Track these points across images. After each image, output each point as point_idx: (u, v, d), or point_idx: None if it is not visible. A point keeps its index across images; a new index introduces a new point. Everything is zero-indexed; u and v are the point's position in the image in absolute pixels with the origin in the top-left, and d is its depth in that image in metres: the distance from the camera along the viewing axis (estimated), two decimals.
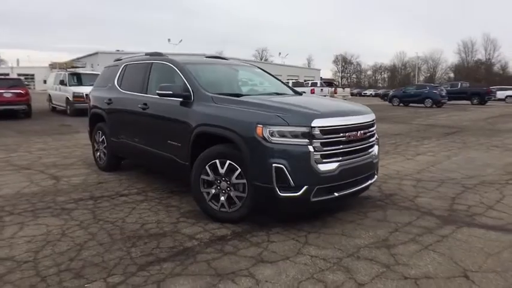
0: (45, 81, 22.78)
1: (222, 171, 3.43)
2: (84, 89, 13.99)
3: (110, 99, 5.22)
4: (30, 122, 12.44)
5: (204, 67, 4.52)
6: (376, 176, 3.96)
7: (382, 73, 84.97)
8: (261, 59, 74.59)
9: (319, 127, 3.19)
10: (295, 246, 3.02)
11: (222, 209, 3.48)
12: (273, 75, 5.17)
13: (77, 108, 13.71)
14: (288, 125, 3.15)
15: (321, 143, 3.21)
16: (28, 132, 9.93)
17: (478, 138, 9.30)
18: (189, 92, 3.90)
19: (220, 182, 3.47)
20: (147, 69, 4.72)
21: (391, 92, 28.03)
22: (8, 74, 13.27)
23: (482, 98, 25.48)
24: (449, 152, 7.27)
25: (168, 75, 4.39)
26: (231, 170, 3.40)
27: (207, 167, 3.51)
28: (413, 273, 2.61)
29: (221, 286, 2.42)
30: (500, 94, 29.66)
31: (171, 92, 3.91)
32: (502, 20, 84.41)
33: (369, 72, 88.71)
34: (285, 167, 3.09)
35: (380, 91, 44.90)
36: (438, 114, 17.65)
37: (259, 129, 3.16)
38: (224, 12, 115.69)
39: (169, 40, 44.17)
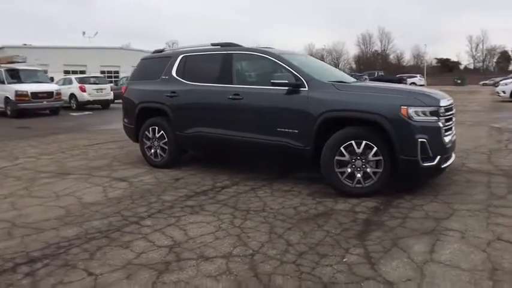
0: None
1: (358, 150, 3.78)
2: (28, 87, 12.35)
3: (173, 92, 5.01)
4: None
5: (294, 57, 4.69)
6: None
7: None
8: None
9: (443, 106, 3.78)
10: (442, 206, 3.55)
11: (357, 185, 3.83)
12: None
13: (20, 109, 12.00)
14: (425, 106, 3.66)
15: (444, 120, 3.80)
16: None
17: None
18: (301, 80, 4.11)
19: (355, 160, 3.82)
20: (227, 60, 4.70)
21: None
22: None
23: None
24: None
25: (261, 65, 4.51)
26: (366, 149, 3.77)
27: (341, 148, 3.82)
28: None
29: (442, 238, 2.84)
30: (408, 81, 34.42)
31: (287, 82, 4.07)
32: (393, 14, 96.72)
33: None
34: (426, 140, 3.60)
35: None
36: None
37: (403, 110, 3.60)
38: (129, 3, 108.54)
39: (84, 33, 40.54)
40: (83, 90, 16.06)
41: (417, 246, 2.74)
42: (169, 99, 5.05)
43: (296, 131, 4.11)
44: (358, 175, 3.82)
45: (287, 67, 4.25)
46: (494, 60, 74.00)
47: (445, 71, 70.22)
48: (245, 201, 3.84)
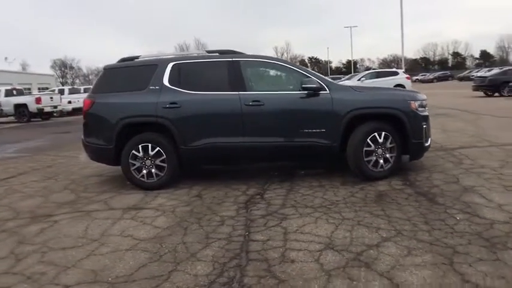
0: None
1: (380, 140, 4.52)
2: None
3: (173, 103, 4.54)
4: None
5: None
6: None
7: None
8: None
9: (425, 100, 4.94)
10: (443, 175, 4.58)
11: (380, 169, 4.58)
12: None
13: None
14: (421, 100, 4.72)
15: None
16: None
17: None
18: (321, 84, 4.55)
19: (378, 149, 4.55)
20: (235, 68, 4.64)
21: None
22: None
23: None
24: None
25: (276, 72, 4.67)
26: (384, 138, 4.55)
27: (368, 140, 4.48)
28: None
29: (486, 193, 3.82)
30: None
31: (314, 86, 4.43)
32: (209, 27, 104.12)
33: (92, 77, 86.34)
34: (426, 126, 4.66)
35: None
36: None
37: (412, 104, 4.55)
38: None
39: None
40: None
41: (483, 200, 3.63)
42: (169, 111, 4.55)
43: (323, 130, 4.53)
44: (381, 161, 4.57)
45: (306, 73, 4.62)
46: None
47: None
48: (303, 200, 4.01)
